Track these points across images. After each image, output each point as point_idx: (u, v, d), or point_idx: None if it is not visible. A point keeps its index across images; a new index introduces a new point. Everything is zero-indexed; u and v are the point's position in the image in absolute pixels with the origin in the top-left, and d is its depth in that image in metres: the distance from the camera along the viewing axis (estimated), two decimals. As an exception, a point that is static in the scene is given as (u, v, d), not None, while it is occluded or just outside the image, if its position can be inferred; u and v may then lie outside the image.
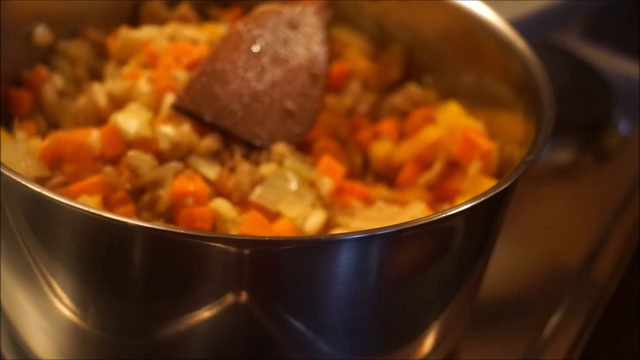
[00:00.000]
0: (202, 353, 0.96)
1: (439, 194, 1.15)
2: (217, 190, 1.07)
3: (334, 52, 1.29)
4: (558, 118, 1.05)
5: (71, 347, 1.03)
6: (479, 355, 1.21)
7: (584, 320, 1.24)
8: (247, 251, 0.88)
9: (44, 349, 1.07)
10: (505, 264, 1.31)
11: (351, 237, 0.91)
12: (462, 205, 0.91)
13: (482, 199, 0.93)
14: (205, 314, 0.92)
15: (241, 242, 0.88)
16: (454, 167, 1.16)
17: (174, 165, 1.06)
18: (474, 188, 1.11)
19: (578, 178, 1.53)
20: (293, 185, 1.06)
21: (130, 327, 0.97)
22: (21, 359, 1.11)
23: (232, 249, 0.87)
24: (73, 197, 1.00)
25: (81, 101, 1.15)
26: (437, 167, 1.16)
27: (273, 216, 1.04)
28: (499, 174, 1.14)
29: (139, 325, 0.96)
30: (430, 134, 1.19)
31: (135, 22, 1.29)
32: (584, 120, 1.61)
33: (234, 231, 1.01)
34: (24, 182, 0.89)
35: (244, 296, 0.90)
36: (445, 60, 1.27)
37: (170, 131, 1.08)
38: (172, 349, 0.97)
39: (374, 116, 1.28)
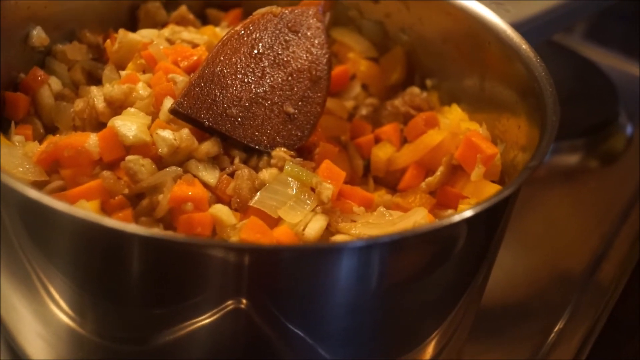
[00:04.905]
0: (201, 361, 0.95)
1: (441, 199, 1.14)
2: (217, 195, 1.06)
3: (335, 55, 1.27)
4: (563, 120, 1.03)
5: (68, 353, 1.02)
6: (481, 362, 1.20)
7: (588, 327, 1.23)
8: (247, 259, 0.86)
9: (41, 355, 1.06)
10: (509, 269, 1.30)
11: (352, 245, 0.90)
12: (465, 212, 0.90)
13: (486, 205, 0.91)
14: (205, 321, 0.91)
15: (241, 250, 0.87)
16: (456, 171, 1.15)
17: (173, 169, 1.05)
18: (477, 193, 1.10)
19: (582, 181, 1.52)
20: (293, 190, 1.05)
21: (128, 334, 0.96)
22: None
23: (232, 256, 0.86)
24: (71, 202, 0.99)
25: (79, 105, 1.14)
26: (440, 172, 1.15)
27: (273, 222, 1.03)
28: (502, 178, 1.12)
29: (137, 332, 0.95)
30: (432, 138, 1.17)
31: (132, 25, 1.28)
32: (589, 122, 1.60)
33: (234, 237, 1.00)
34: (21, 189, 0.88)
35: (243, 303, 0.89)
36: (448, 64, 1.25)
37: (169, 135, 1.06)
38: (170, 357, 0.95)
39: (376, 120, 1.27)
